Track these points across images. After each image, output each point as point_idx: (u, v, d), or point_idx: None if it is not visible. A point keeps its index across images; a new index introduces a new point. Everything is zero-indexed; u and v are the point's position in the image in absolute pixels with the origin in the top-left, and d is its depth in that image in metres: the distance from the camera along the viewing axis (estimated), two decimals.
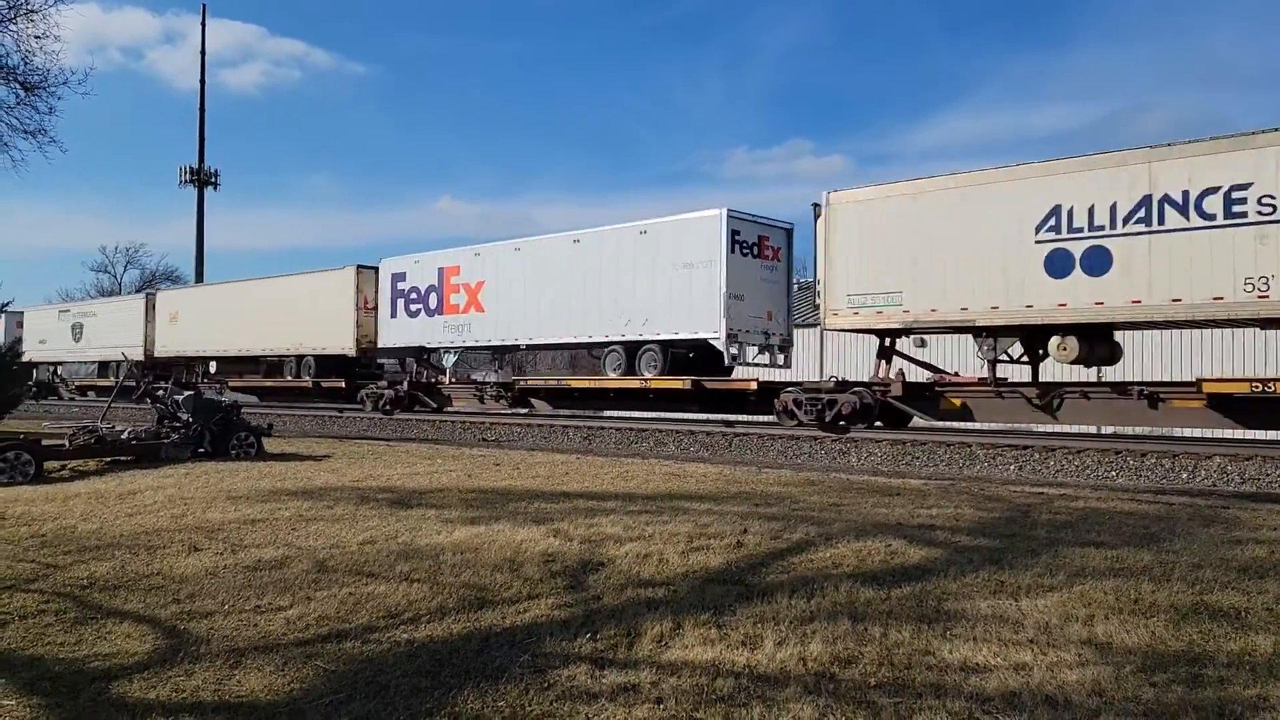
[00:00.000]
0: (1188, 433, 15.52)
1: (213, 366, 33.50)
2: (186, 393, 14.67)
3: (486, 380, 24.72)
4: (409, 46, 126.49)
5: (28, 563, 6.32)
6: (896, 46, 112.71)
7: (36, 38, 19.01)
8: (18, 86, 19.34)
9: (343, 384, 27.42)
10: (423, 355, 25.45)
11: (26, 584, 5.71)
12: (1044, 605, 4.98)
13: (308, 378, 28.34)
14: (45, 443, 12.49)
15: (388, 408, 25.32)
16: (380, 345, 25.96)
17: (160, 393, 14.80)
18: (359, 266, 26.36)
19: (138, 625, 4.78)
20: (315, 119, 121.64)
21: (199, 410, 13.95)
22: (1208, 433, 15.18)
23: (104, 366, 38.57)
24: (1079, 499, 9.43)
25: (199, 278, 52.19)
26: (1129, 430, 16.58)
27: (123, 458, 12.99)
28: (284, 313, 28.59)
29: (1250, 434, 15.54)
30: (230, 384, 30.67)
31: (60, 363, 42.14)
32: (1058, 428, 16.97)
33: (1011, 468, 13.43)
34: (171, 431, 13.75)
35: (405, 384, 25.46)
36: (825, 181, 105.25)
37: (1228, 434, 15.22)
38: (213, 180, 54.77)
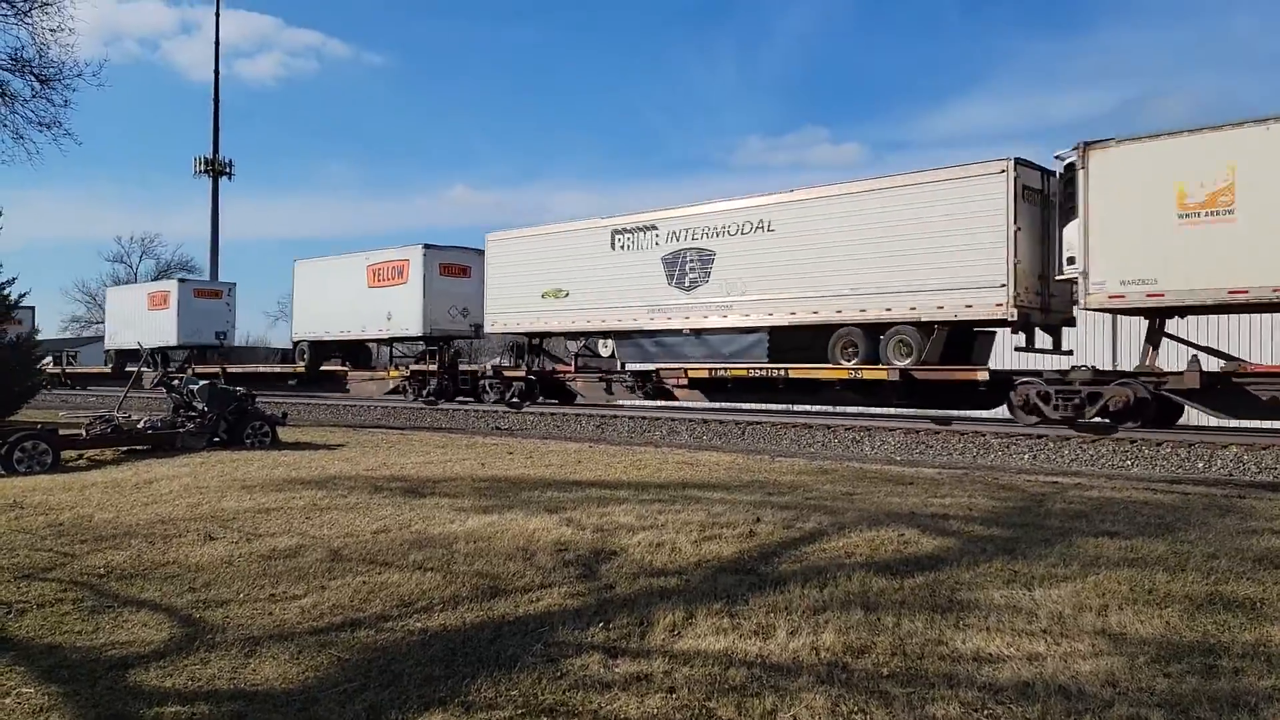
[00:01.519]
0: (1204, 420, 15.45)
1: None
2: (201, 382, 14.76)
3: None
4: (424, 35, 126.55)
5: (45, 551, 6.39)
6: (914, 31, 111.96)
7: (51, 30, 19.07)
8: (33, 79, 19.41)
9: None
10: None
11: (44, 572, 5.77)
12: (1057, 595, 4.96)
13: None
14: (62, 432, 12.62)
15: None
16: None
17: (175, 382, 14.91)
18: None
19: (154, 614, 4.83)
20: (331, 108, 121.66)
21: (214, 399, 14.04)
22: (1224, 422, 15.10)
23: (864, 338, 16.18)
24: (1093, 488, 9.38)
25: (213, 268, 52.01)
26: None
27: (139, 447, 13.10)
28: None
29: (1267, 424, 15.44)
30: None
31: (657, 336, 19.29)
32: None
33: (1026, 456, 13.36)
34: (187, 421, 13.85)
35: None
36: (839, 170, 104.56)
37: (1244, 424, 15.14)
38: (227, 170, 54.82)
